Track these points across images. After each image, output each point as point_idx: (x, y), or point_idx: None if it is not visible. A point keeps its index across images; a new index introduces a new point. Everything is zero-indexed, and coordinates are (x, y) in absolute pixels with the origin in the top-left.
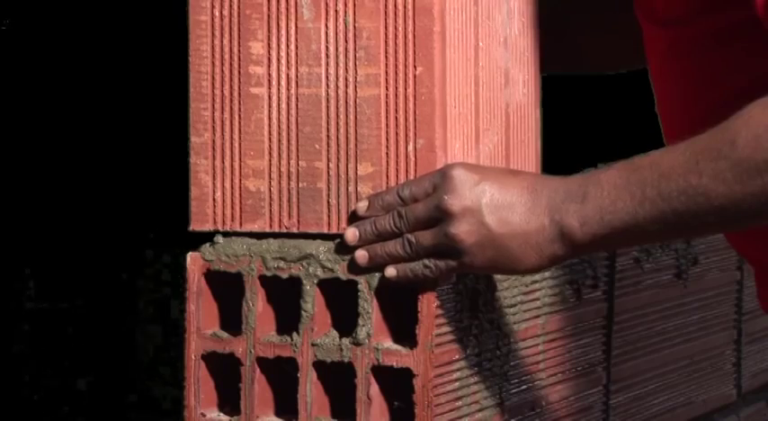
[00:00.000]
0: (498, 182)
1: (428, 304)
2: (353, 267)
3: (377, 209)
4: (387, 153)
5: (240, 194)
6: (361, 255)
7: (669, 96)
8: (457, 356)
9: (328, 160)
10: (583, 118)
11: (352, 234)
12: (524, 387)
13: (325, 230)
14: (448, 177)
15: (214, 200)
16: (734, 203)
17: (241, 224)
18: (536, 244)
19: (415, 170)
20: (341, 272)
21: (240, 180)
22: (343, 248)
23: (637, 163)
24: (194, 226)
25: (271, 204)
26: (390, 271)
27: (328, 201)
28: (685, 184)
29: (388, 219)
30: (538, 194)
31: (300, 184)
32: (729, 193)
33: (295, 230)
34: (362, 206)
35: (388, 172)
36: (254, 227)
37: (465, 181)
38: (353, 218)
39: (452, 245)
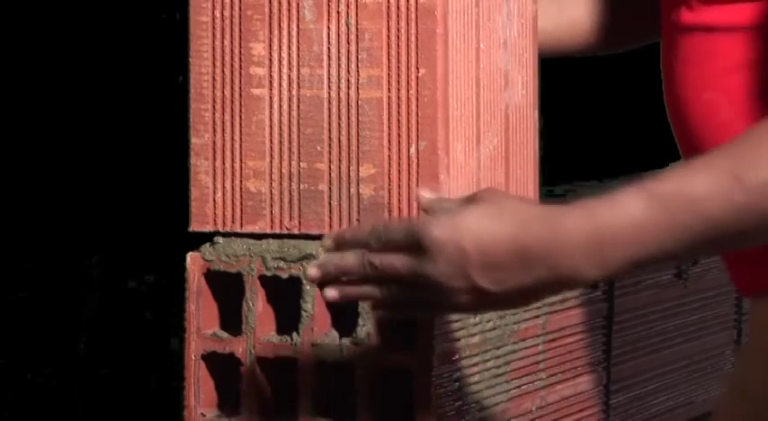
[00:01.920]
0: (481, 243)
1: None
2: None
3: (345, 245)
4: (389, 155)
5: (241, 195)
6: (331, 295)
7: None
8: (457, 356)
9: (330, 162)
10: (582, 118)
11: (314, 274)
12: (524, 387)
13: (327, 232)
14: (426, 243)
15: (214, 201)
16: None
17: (242, 225)
18: (537, 291)
19: (417, 172)
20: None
21: (241, 181)
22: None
23: (655, 189)
24: (194, 227)
25: (272, 206)
26: (376, 307)
27: (330, 203)
28: (727, 203)
29: (359, 265)
30: (530, 251)
31: (302, 186)
32: None
33: (296, 232)
34: (329, 243)
35: (390, 174)
36: (255, 228)
37: (444, 247)
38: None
39: (448, 308)
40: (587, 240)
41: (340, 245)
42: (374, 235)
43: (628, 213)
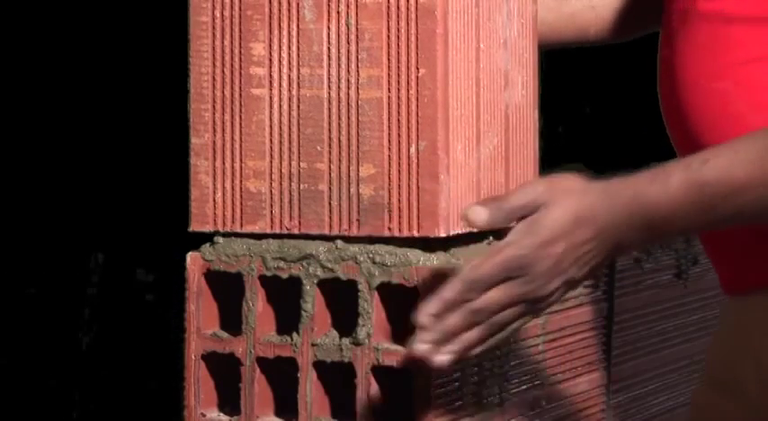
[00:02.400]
0: (568, 243)
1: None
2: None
3: (442, 312)
4: (389, 155)
5: (241, 195)
6: (443, 360)
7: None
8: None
9: (330, 162)
10: (581, 118)
11: (423, 349)
12: (524, 387)
13: (327, 232)
14: (520, 267)
15: (214, 201)
16: None
17: (242, 225)
18: (602, 268)
19: (417, 172)
20: (341, 272)
21: (241, 181)
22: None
23: (698, 177)
24: (194, 227)
25: (272, 206)
26: (476, 351)
27: (330, 203)
28: (759, 193)
29: (463, 319)
30: (601, 232)
31: (302, 186)
32: None
33: (296, 232)
34: (428, 321)
35: (390, 174)
36: (255, 228)
37: (538, 261)
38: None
39: (543, 308)
40: (647, 223)
41: (438, 314)
42: (472, 288)
43: (678, 199)
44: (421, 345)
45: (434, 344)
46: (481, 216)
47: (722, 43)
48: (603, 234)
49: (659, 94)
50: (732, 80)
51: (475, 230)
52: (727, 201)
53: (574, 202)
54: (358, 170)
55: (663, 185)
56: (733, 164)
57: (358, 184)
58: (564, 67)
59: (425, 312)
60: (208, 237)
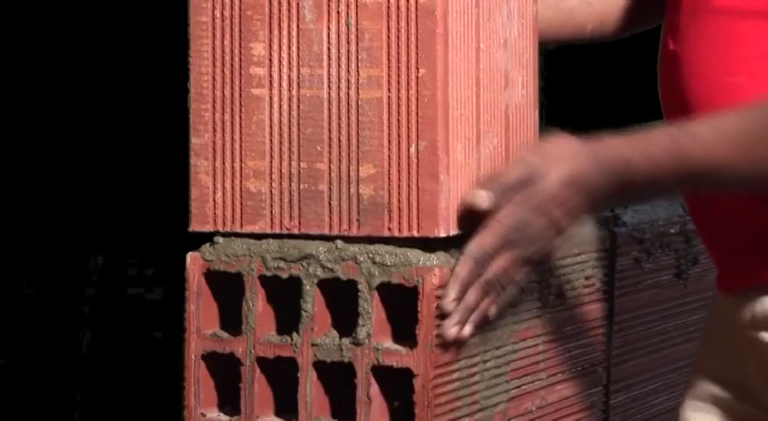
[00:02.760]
0: (562, 204)
1: (428, 304)
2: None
3: (462, 293)
4: (389, 155)
5: (241, 195)
6: (467, 332)
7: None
8: (457, 356)
9: (330, 162)
10: (581, 119)
11: (456, 330)
12: (524, 387)
13: (327, 232)
14: (520, 235)
15: (214, 201)
16: None
17: (242, 225)
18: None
19: (417, 172)
20: (341, 272)
21: (241, 181)
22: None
23: (684, 153)
24: (194, 227)
25: (272, 206)
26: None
27: (330, 203)
28: (738, 171)
29: (481, 292)
30: (591, 188)
31: (302, 186)
32: None
33: (296, 232)
34: (452, 307)
35: (389, 174)
36: (255, 228)
37: (533, 225)
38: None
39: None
40: (623, 185)
41: (460, 294)
42: (480, 262)
43: (659, 168)
44: (452, 330)
45: (460, 324)
46: (485, 198)
47: (736, 38)
48: (591, 194)
49: (660, 88)
50: (747, 74)
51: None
52: (707, 177)
53: (567, 169)
54: (358, 170)
55: (647, 153)
56: (717, 141)
57: (358, 184)
58: (564, 67)
59: (449, 298)
60: (208, 237)
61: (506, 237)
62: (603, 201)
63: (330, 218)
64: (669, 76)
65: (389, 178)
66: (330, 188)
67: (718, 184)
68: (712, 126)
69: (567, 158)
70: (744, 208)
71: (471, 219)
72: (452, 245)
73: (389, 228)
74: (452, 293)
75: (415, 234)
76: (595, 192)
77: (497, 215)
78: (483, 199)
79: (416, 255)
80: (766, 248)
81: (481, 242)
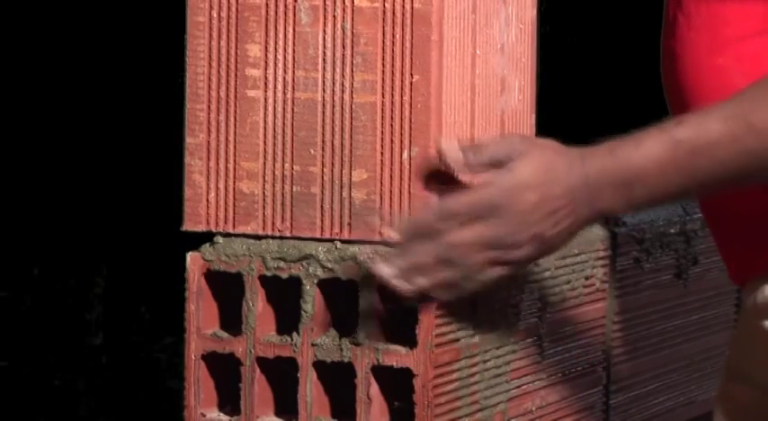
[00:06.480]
0: (541, 192)
1: (428, 304)
2: (405, 297)
3: (411, 236)
4: (381, 160)
5: (234, 196)
6: (407, 290)
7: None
8: (457, 356)
9: (323, 165)
10: (580, 121)
11: (388, 271)
12: (524, 387)
13: (318, 235)
14: (494, 207)
15: (208, 201)
16: None
17: (234, 226)
18: (578, 229)
19: (410, 177)
20: (341, 272)
21: (234, 182)
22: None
23: (676, 134)
24: (187, 226)
25: (264, 207)
26: (446, 294)
27: (322, 206)
28: (741, 149)
29: (437, 251)
30: (576, 190)
31: (294, 188)
32: None
33: (288, 234)
34: (394, 236)
35: (382, 178)
36: (248, 229)
37: (509, 209)
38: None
39: (512, 263)
40: (620, 181)
41: (406, 236)
42: (442, 216)
43: (652, 156)
44: (386, 267)
45: (402, 271)
46: (454, 151)
47: (719, 20)
48: (575, 193)
49: (664, 85)
50: (731, 55)
51: None
52: (703, 156)
53: (548, 157)
54: (350, 174)
55: (637, 144)
56: (707, 119)
57: (350, 188)
58: (564, 67)
59: (391, 232)
60: (207, 237)
61: (477, 207)
62: (594, 204)
63: (322, 221)
64: (667, 71)
65: (381, 183)
66: (323, 191)
67: (722, 165)
68: (702, 110)
69: (551, 148)
70: (745, 194)
71: None
72: None
73: (381, 233)
74: (400, 227)
75: None
76: (577, 188)
77: (474, 186)
78: (451, 150)
79: None
80: (763, 234)
81: (450, 199)
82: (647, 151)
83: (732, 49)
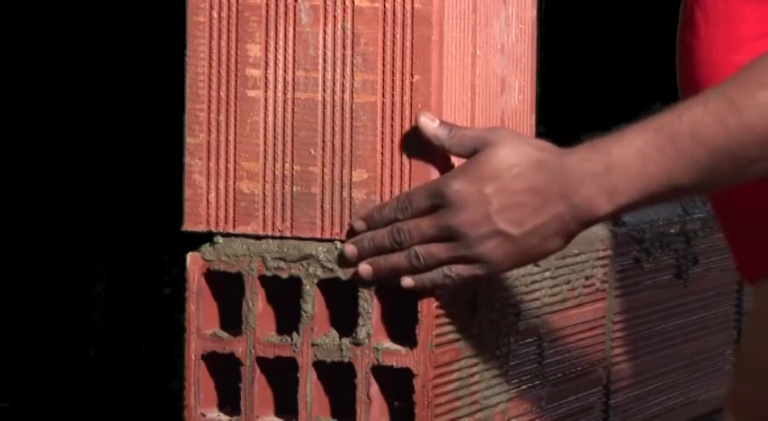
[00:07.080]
0: (500, 185)
1: (428, 304)
2: (359, 280)
3: (375, 224)
4: (382, 160)
5: (234, 196)
6: (365, 269)
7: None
8: (457, 356)
9: (323, 165)
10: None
11: (350, 250)
12: (524, 387)
13: (319, 235)
14: (448, 197)
15: (208, 201)
16: None
17: (234, 226)
18: (555, 231)
19: (410, 178)
20: (341, 272)
21: (234, 182)
22: (345, 260)
23: (657, 121)
24: (187, 226)
25: (264, 207)
26: (407, 281)
27: (322, 207)
28: (722, 126)
29: (389, 236)
30: (547, 185)
31: (295, 189)
32: None
33: (288, 235)
34: (360, 225)
35: (382, 179)
36: (248, 229)
37: (466, 197)
38: (351, 233)
39: (476, 260)
40: (599, 171)
41: (371, 224)
42: (399, 206)
43: (633, 144)
44: (349, 246)
45: (361, 252)
46: (432, 122)
47: (737, 17)
48: (544, 190)
49: (679, 78)
50: (748, 54)
51: None
52: (684, 138)
53: (520, 152)
54: (351, 174)
55: (619, 136)
56: (689, 103)
57: (351, 189)
58: (563, 68)
59: (360, 217)
60: (207, 237)
61: (434, 195)
62: (579, 205)
63: (322, 221)
64: (683, 64)
65: (382, 183)
66: (323, 192)
67: (714, 146)
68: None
69: (530, 144)
70: (757, 189)
71: None
72: None
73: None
74: (365, 215)
75: None
76: (550, 186)
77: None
78: (430, 120)
79: None
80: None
81: (411, 189)
82: (628, 139)
83: (749, 47)
